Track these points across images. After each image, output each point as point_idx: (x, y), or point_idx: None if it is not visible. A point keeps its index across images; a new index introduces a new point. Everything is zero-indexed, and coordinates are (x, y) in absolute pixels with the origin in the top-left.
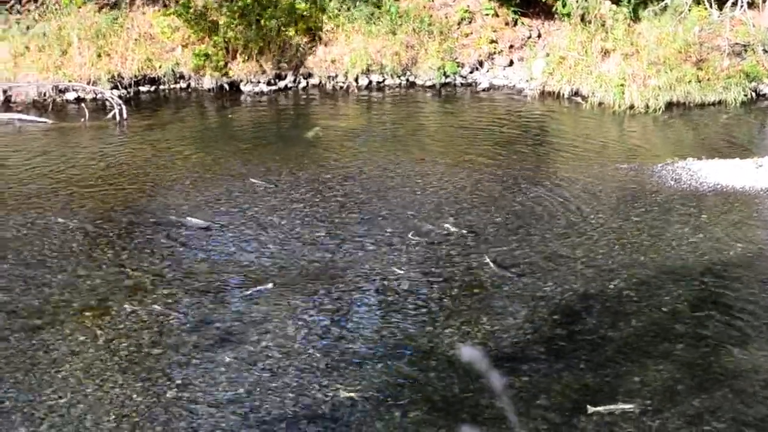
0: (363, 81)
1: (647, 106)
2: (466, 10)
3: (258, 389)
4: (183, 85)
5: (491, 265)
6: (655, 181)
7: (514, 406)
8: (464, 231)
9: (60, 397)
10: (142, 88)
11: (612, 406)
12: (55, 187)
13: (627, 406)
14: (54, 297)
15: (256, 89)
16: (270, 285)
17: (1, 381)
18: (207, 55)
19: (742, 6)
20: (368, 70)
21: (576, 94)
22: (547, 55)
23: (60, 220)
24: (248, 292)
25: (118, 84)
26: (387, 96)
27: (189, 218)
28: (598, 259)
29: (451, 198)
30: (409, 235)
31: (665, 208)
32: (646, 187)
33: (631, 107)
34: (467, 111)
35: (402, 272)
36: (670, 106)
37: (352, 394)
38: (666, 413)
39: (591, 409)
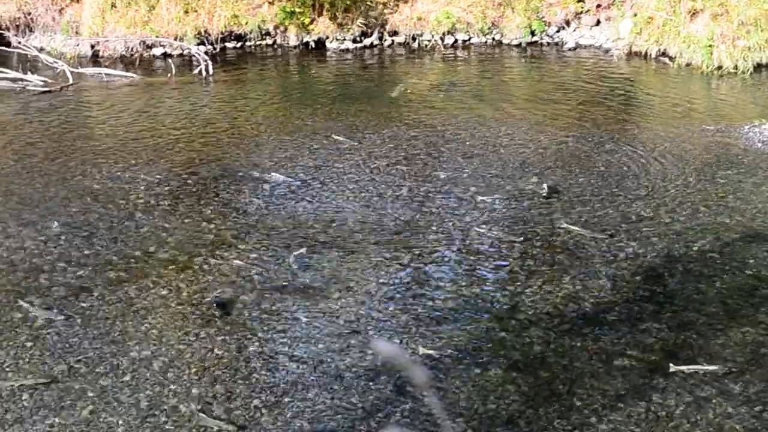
0: (449, 39)
1: (736, 67)
2: None
3: (338, 344)
4: (268, 41)
5: (574, 226)
6: (742, 142)
7: (594, 366)
8: (547, 191)
9: (143, 350)
10: (228, 45)
11: (695, 366)
12: (141, 142)
13: (710, 367)
14: (138, 250)
15: (341, 47)
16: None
17: (85, 333)
18: (293, 12)
19: None
20: (454, 28)
21: (663, 54)
22: (635, 15)
23: (145, 174)
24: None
25: (205, 40)
26: (473, 55)
27: (272, 174)
28: (682, 221)
29: (535, 157)
30: (492, 196)
31: (752, 170)
32: (732, 149)
33: (719, 68)
34: (553, 70)
35: (484, 231)
36: (759, 67)
37: (431, 351)
38: (748, 375)
39: (673, 367)
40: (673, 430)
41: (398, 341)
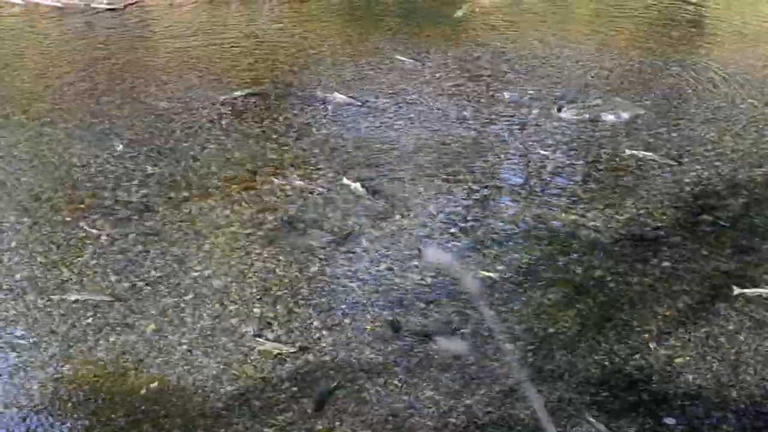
0: None
1: None
2: None
3: (399, 267)
4: None
5: (637, 150)
6: None
7: (654, 290)
8: (612, 114)
9: (204, 269)
10: None
11: (759, 290)
12: (205, 61)
13: None
14: (201, 170)
15: None
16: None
17: (148, 252)
18: None
19: None
20: None
21: None
22: None
23: (209, 93)
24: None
25: None
26: None
27: (335, 94)
28: (747, 145)
29: (600, 80)
30: (555, 118)
31: None
32: None
33: None
34: None
35: (547, 153)
36: None
37: (491, 274)
38: None
39: (737, 290)
40: (734, 355)
41: (461, 263)
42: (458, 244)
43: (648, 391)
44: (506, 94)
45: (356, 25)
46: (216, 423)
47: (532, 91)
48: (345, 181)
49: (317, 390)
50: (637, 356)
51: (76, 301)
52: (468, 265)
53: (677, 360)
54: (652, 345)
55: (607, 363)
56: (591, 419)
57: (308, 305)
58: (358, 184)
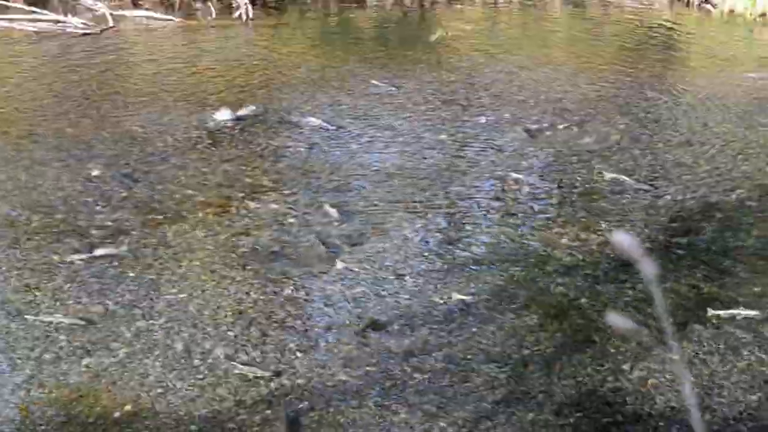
0: None
1: None
2: None
3: (373, 291)
4: None
5: (612, 173)
6: None
7: (629, 313)
8: (586, 138)
9: (179, 292)
10: None
11: (732, 311)
12: (180, 85)
13: (749, 312)
14: (176, 193)
15: None
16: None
17: (122, 274)
18: None
19: None
20: None
21: (706, 1)
22: None
23: (183, 117)
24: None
25: None
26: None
27: (310, 118)
28: (720, 169)
29: (575, 104)
30: (530, 142)
31: None
32: None
33: (763, 15)
34: (594, 16)
35: (521, 177)
36: None
37: (465, 297)
38: None
39: (711, 312)
40: (708, 376)
41: (433, 287)
42: (433, 266)
43: (622, 413)
44: (482, 119)
45: (332, 49)
46: None
47: (507, 115)
48: (323, 206)
49: (288, 414)
50: (611, 378)
51: (49, 323)
52: (442, 290)
53: (651, 381)
54: (626, 367)
55: (582, 385)
56: None
57: (282, 328)
58: (333, 210)
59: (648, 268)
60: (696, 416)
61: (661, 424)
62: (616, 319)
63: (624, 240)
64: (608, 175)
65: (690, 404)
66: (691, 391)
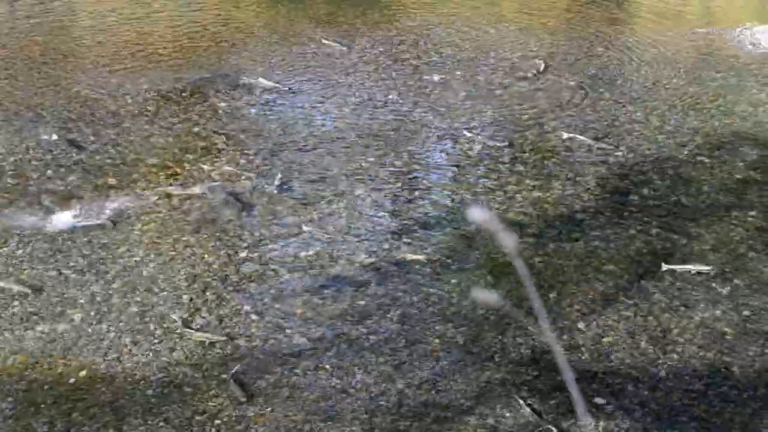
0: None
1: None
2: None
3: (327, 251)
4: None
5: (563, 131)
6: (734, 45)
7: (583, 270)
8: (538, 94)
9: (132, 256)
10: None
11: (686, 266)
12: (130, 48)
13: (702, 267)
14: (128, 156)
15: None
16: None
17: (74, 240)
18: None
19: None
20: None
21: None
22: None
23: (134, 80)
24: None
25: None
26: None
27: (261, 80)
28: (671, 125)
29: (525, 62)
30: (481, 100)
31: (743, 73)
32: (723, 52)
33: None
34: None
35: (473, 135)
36: None
37: (419, 257)
38: (737, 279)
39: (665, 266)
40: (662, 333)
41: (387, 247)
42: (387, 227)
43: (577, 371)
44: (435, 77)
45: (283, 10)
46: (146, 410)
47: (458, 73)
48: (273, 165)
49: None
50: (566, 336)
51: (2, 289)
52: (396, 250)
53: (606, 339)
54: (581, 325)
55: (536, 344)
56: (520, 400)
57: (237, 291)
58: (285, 168)
59: (508, 240)
60: (650, 372)
61: (616, 382)
62: (481, 294)
63: (481, 213)
64: (559, 133)
65: (643, 361)
66: (645, 348)
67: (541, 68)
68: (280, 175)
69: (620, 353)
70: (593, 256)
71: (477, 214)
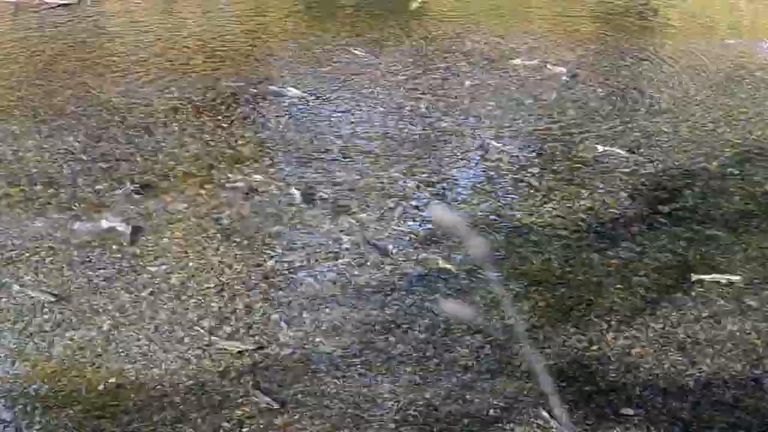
0: None
1: None
2: None
3: (357, 260)
4: None
5: (593, 142)
6: (764, 57)
7: (612, 281)
8: (567, 106)
9: (162, 264)
10: None
11: (716, 276)
12: (160, 56)
13: (732, 277)
14: (157, 165)
15: None
16: None
17: (104, 248)
18: None
19: None
20: None
21: None
22: None
23: (164, 88)
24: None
25: None
26: None
27: (290, 89)
28: (702, 137)
29: (556, 72)
30: (510, 111)
31: None
32: (753, 64)
33: None
34: None
35: (501, 145)
36: None
37: (449, 266)
38: (767, 290)
39: (694, 277)
40: (691, 345)
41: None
42: (416, 237)
43: (605, 382)
44: (464, 86)
45: (312, 19)
46: (175, 418)
47: (488, 82)
48: (303, 175)
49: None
50: (594, 347)
51: (32, 296)
52: (426, 258)
53: (635, 350)
54: (609, 336)
55: (564, 354)
56: (546, 413)
57: (265, 300)
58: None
59: (475, 244)
60: (678, 384)
61: (645, 392)
62: (451, 306)
63: (444, 215)
64: (589, 144)
65: (672, 372)
66: (674, 358)
67: (571, 77)
68: (309, 184)
69: (649, 364)
70: (622, 266)
71: (441, 215)
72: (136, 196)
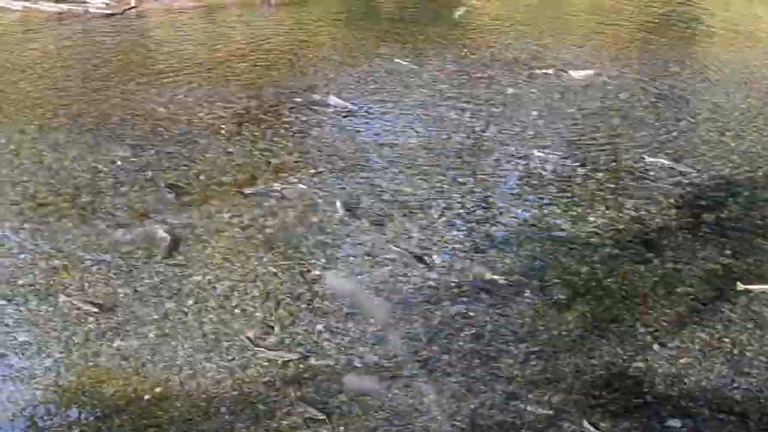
0: None
1: None
2: None
3: (401, 270)
4: None
5: (639, 150)
6: None
7: (657, 292)
8: (610, 112)
9: (206, 274)
10: None
11: (762, 286)
12: (203, 66)
13: None
14: (201, 175)
15: None
16: None
17: (149, 257)
18: None
19: None
20: None
21: None
22: None
23: (207, 98)
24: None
25: None
26: None
27: (333, 98)
28: (746, 145)
29: (599, 81)
30: (555, 120)
31: None
32: None
33: None
34: None
35: (545, 154)
36: None
37: (495, 276)
38: None
39: (740, 286)
40: (737, 355)
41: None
42: (459, 246)
43: (652, 393)
44: (507, 94)
45: (354, 28)
46: (220, 428)
47: (531, 90)
48: (346, 184)
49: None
50: (640, 358)
51: (78, 306)
52: (471, 269)
53: (681, 361)
54: (655, 346)
55: (610, 365)
56: (590, 426)
57: (310, 309)
58: (358, 186)
59: (379, 312)
60: (725, 395)
61: (690, 404)
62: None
63: (340, 283)
64: (632, 153)
65: (719, 383)
66: (721, 370)
67: (614, 86)
68: (352, 194)
69: (695, 375)
70: (668, 276)
71: (335, 284)
72: (180, 206)
